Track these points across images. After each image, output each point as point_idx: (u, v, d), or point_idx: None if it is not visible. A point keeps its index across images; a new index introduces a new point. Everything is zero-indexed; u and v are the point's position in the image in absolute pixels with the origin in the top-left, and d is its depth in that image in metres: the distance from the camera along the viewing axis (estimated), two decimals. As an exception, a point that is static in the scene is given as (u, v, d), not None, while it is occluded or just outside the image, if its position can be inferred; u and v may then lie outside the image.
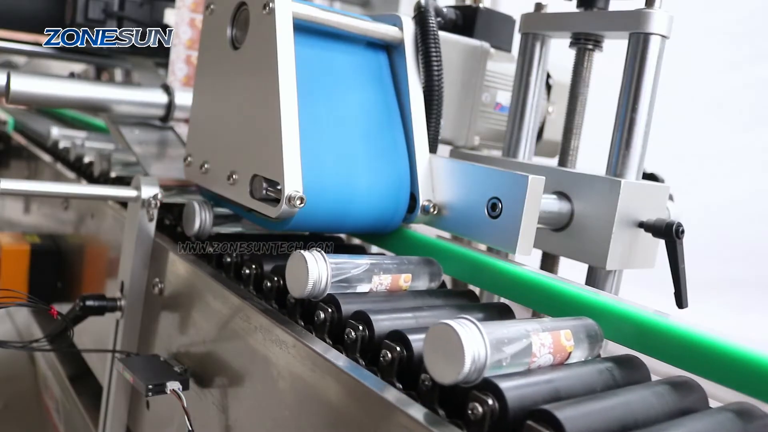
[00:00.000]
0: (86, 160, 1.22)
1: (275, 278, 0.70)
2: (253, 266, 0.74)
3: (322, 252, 0.64)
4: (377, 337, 0.58)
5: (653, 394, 0.51)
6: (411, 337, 0.54)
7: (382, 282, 0.68)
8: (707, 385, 0.55)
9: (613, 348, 0.64)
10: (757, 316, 1.53)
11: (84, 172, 1.23)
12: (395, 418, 0.50)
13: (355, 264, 0.66)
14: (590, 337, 0.57)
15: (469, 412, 0.46)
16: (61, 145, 1.40)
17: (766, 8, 1.66)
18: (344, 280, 0.65)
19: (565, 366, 0.54)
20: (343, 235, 0.97)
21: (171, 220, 0.93)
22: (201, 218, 0.82)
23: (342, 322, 0.61)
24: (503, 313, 0.67)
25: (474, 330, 0.46)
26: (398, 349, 0.54)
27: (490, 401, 0.46)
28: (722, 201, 1.69)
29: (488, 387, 0.46)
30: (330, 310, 0.62)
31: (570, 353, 0.54)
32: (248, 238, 0.81)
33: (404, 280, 0.70)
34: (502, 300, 0.75)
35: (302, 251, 0.63)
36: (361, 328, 0.58)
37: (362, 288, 0.67)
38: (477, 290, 0.81)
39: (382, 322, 0.59)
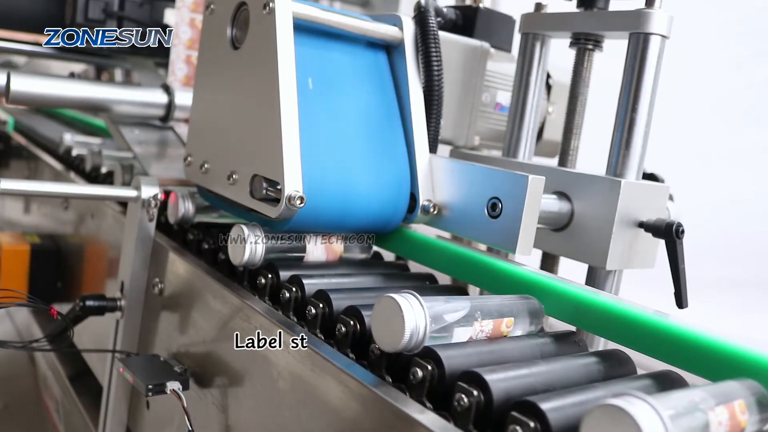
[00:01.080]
0: (104, 170, 1.15)
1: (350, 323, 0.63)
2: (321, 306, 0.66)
3: (417, 295, 0.54)
4: (496, 403, 0.50)
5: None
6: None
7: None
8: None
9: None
10: (757, 317, 1.53)
11: (102, 183, 1.15)
12: (395, 418, 0.50)
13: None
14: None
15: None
16: (75, 152, 1.32)
17: (766, 8, 1.66)
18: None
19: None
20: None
21: (210, 244, 0.83)
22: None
23: (445, 382, 0.53)
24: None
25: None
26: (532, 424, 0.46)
27: (476, 392, 0.49)
28: (722, 201, 1.69)
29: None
30: (430, 367, 0.53)
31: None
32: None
33: (506, 326, 0.61)
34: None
35: (394, 295, 0.53)
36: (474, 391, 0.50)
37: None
38: (477, 290, 0.81)
39: (502, 384, 0.51)
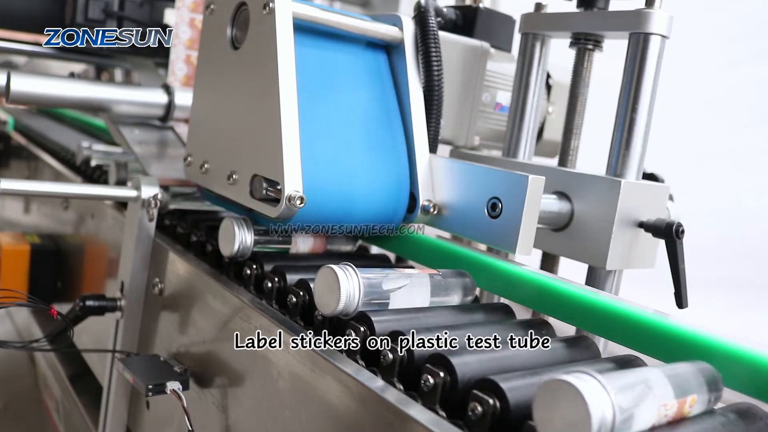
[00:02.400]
0: (130, 184, 1.02)
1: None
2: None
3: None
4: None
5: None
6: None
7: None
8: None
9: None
10: (755, 316, 1.53)
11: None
12: (395, 418, 0.50)
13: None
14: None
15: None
16: (95, 162, 1.18)
17: (765, 8, 1.66)
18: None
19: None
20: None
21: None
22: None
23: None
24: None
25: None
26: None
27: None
28: (722, 201, 1.69)
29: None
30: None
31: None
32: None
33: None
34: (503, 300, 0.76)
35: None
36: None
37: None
38: (477, 291, 0.81)
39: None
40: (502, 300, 0.75)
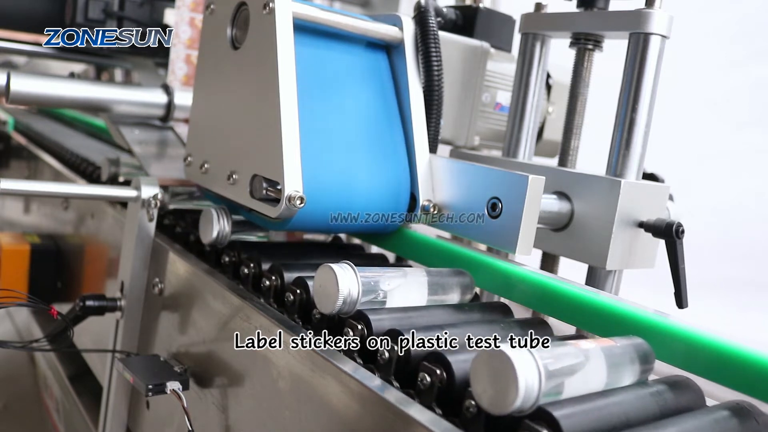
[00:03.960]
0: (171, 206, 0.94)
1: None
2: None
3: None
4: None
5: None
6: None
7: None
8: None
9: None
10: (756, 315, 1.53)
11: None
12: (395, 418, 0.50)
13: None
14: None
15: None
16: (122, 178, 1.05)
17: (765, 8, 1.66)
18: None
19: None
20: (342, 235, 0.97)
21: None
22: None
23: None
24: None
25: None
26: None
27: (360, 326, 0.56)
28: (723, 201, 1.69)
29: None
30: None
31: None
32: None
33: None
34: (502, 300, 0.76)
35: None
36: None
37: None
38: (477, 290, 0.81)
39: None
40: (502, 299, 0.75)
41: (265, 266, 0.75)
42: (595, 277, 0.82)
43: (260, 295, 0.73)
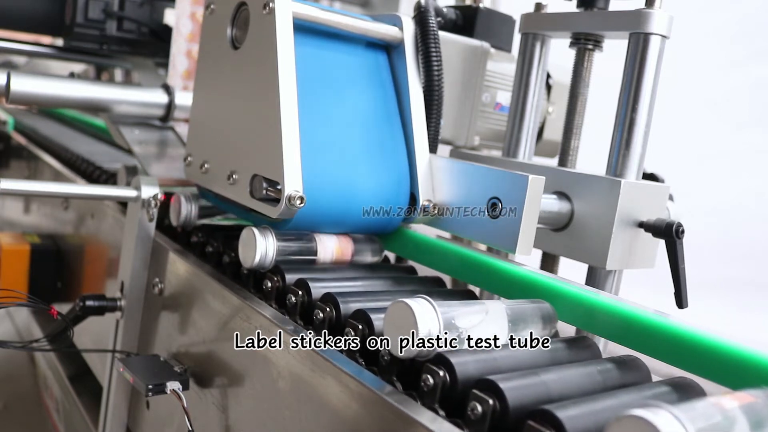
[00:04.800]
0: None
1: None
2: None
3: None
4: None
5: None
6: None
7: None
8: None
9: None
10: (756, 315, 1.53)
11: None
12: (395, 419, 0.50)
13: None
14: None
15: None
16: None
17: (765, 8, 1.66)
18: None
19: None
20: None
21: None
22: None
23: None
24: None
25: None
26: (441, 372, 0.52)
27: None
28: (723, 201, 1.69)
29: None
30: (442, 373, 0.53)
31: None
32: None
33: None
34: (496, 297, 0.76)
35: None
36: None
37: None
38: (477, 290, 0.81)
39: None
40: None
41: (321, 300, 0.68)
42: (595, 277, 0.82)
43: (262, 296, 0.72)
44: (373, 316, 0.59)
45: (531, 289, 0.68)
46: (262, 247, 0.70)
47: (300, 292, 0.68)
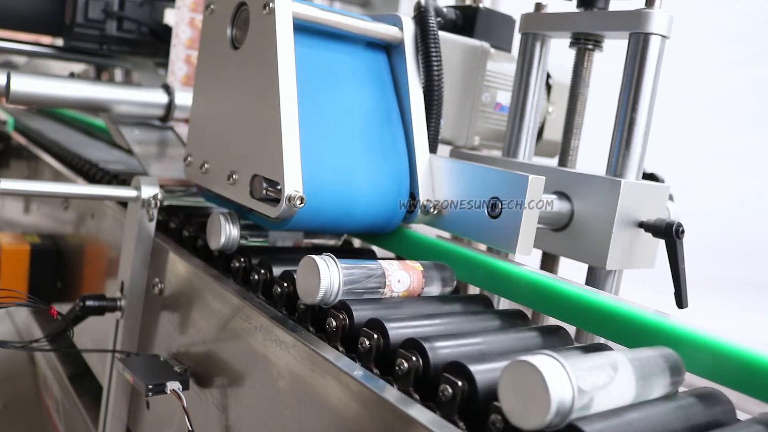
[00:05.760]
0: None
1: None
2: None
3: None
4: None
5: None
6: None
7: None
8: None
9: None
10: (756, 315, 1.53)
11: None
12: (395, 418, 0.50)
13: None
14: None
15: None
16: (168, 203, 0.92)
17: (765, 8, 1.66)
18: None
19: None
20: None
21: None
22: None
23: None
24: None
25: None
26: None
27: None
28: (723, 201, 1.69)
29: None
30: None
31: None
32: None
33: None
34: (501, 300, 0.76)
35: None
36: (375, 336, 0.57)
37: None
38: (477, 290, 0.81)
39: (397, 330, 0.57)
40: (504, 299, 0.75)
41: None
42: (595, 277, 0.82)
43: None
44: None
45: (531, 289, 0.68)
46: (326, 279, 0.60)
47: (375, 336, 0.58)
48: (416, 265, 0.69)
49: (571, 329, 0.70)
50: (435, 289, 0.71)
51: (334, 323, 0.60)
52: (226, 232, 0.76)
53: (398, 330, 0.57)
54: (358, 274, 0.63)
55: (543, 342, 0.61)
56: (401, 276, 0.66)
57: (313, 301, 0.60)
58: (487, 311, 0.69)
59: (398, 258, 0.95)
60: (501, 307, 0.80)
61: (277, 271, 0.72)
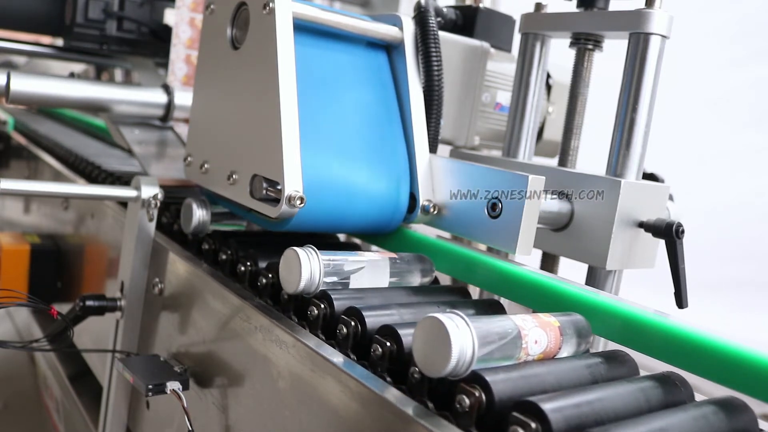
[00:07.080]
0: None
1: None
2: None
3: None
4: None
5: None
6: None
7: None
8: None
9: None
10: (756, 315, 1.53)
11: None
12: (395, 419, 0.50)
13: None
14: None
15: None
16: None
17: (765, 8, 1.66)
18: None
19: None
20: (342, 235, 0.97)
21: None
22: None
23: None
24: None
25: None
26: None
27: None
28: (722, 201, 1.69)
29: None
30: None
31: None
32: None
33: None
34: (496, 298, 0.76)
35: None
36: (353, 324, 0.59)
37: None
38: (477, 290, 0.81)
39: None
40: (503, 298, 0.75)
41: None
42: (595, 277, 0.82)
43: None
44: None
45: (531, 288, 0.68)
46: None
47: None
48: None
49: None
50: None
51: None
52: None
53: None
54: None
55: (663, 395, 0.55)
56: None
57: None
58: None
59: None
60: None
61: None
